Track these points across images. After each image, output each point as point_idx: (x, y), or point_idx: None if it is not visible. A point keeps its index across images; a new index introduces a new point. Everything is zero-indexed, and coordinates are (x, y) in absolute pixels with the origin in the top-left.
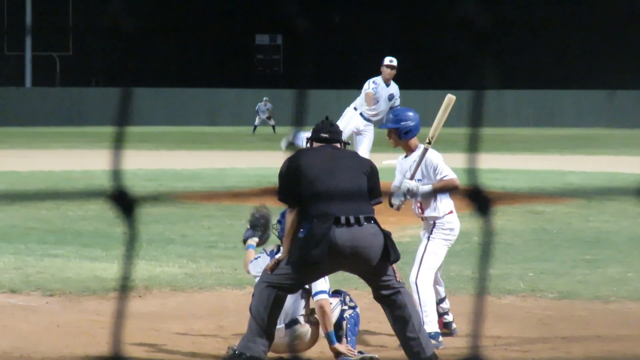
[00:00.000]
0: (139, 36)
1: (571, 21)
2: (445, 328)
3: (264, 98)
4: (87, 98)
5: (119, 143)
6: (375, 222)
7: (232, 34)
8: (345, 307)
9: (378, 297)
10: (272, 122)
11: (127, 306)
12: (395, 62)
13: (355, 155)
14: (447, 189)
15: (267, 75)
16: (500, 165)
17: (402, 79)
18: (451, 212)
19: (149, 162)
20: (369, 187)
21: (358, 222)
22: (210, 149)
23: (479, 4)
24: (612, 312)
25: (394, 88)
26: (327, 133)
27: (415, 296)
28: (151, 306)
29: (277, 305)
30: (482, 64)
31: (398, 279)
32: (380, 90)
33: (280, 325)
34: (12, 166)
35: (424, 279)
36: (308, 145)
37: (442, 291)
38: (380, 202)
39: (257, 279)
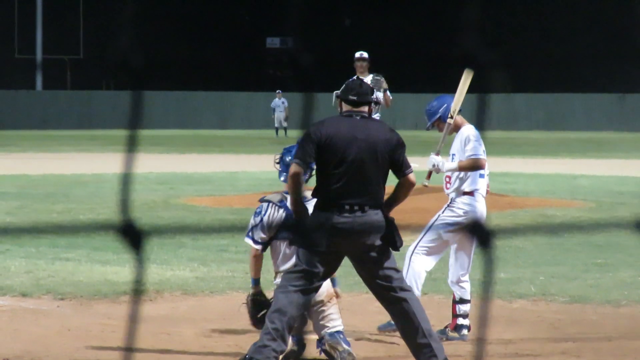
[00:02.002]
0: (150, 41)
1: (582, 25)
2: (455, 331)
3: (277, 91)
4: (98, 101)
5: (126, 184)
6: (382, 210)
7: (243, 37)
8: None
9: (385, 300)
10: (285, 123)
11: (139, 313)
12: (365, 55)
13: (381, 130)
14: (472, 168)
15: (278, 79)
16: (511, 169)
17: (414, 82)
18: (472, 193)
19: (159, 165)
20: (395, 161)
21: (362, 209)
22: (221, 153)
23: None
24: (623, 316)
25: (369, 81)
26: (355, 95)
27: (405, 269)
28: (162, 310)
29: (293, 310)
30: (493, 69)
31: (405, 287)
32: None
33: None
34: (23, 169)
35: (417, 254)
36: (337, 100)
37: (463, 293)
38: (411, 172)
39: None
